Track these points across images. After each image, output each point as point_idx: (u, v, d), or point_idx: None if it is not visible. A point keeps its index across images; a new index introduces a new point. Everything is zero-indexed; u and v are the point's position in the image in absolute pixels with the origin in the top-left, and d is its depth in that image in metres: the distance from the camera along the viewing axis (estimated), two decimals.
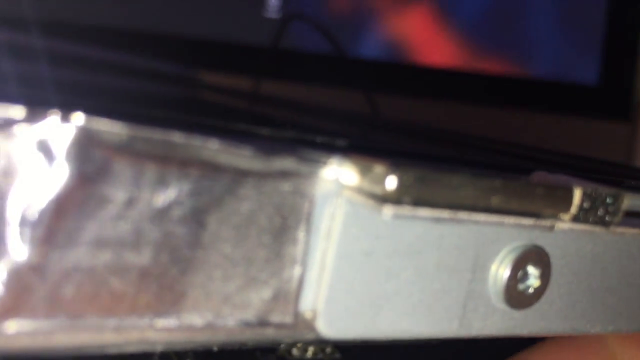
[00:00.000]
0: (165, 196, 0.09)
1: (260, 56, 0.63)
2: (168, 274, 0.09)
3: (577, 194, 0.11)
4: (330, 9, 0.66)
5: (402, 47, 0.63)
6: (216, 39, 0.69)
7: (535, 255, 0.12)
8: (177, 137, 0.09)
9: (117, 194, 0.09)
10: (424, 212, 0.10)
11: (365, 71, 0.62)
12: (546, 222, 0.11)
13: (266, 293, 0.10)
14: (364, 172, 0.10)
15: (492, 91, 0.61)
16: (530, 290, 0.12)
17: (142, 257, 0.09)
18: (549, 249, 0.12)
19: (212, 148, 0.09)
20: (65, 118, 0.08)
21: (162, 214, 0.09)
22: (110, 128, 0.08)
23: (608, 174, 0.22)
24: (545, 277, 0.12)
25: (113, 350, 0.10)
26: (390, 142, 0.11)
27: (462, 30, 0.61)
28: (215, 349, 0.11)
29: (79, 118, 0.08)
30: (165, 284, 0.09)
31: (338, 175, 0.10)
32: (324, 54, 0.62)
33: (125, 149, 0.08)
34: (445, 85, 0.62)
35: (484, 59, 0.61)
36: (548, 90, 0.59)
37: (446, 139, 0.28)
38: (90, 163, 0.08)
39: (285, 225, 0.10)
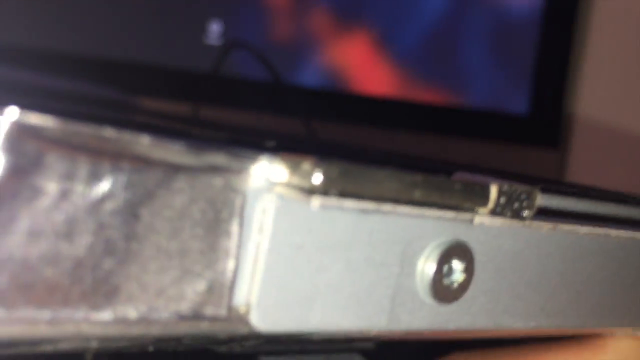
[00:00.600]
0: (98, 188, 0.09)
1: (200, 82, 0.63)
2: (102, 266, 0.09)
3: (494, 189, 0.12)
4: (271, 37, 0.67)
5: (340, 75, 0.65)
6: (156, 64, 0.68)
7: (459, 250, 0.12)
8: (109, 132, 0.09)
9: (51, 185, 0.09)
10: (350, 203, 0.11)
11: (303, 99, 0.63)
12: (466, 216, 0.12)
13: (200, 286, 0.10)
14: (293, 167, 0.11)
15: (427, 120, 0.62)
16: (455, 285, 0.12)
17: (76, 248, 0.09)
18: (472, 244, 0.13)
19: (144, 143, 0.09)
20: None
21: (95, 206, 0.09)
22: (44, 122, 0.08)
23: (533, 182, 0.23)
24: (469, 271, 0.13)
25: (48, 346, 0.10)
26: (318, 145, 0.11)
27: (399, 60, 0.63)
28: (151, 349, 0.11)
29: (12, 112, 0.08)
30: (99, 276, 0.09)
31: (268, 171, 0.11)
32: (264, 82, 0.63)
33: (58, 142, 0.09)
34: (382, 114, 0.64)
35: (419, 88, 0.63)
36: (480, 119, 0.61)
37: (379, 159, 0.29)
38: (23, 155, 0.08)
39: (219, 218, 0.10)
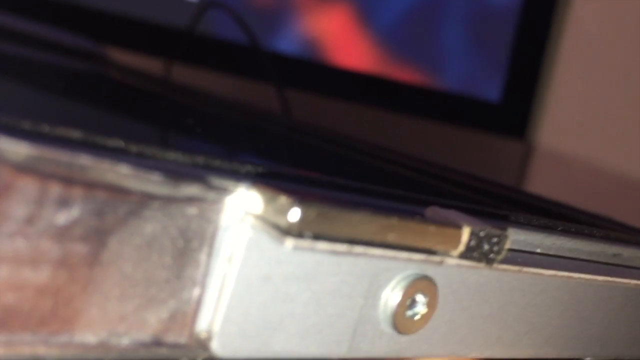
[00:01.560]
0: (67, 215, 0.09)
1: (175, 39, 0.62)
2: (65, 292, 0.09)
3: (466, 233, 0.12)
4: (250, 0, 0.65)
5: (318, 45, 0.64)
6: (130, 15, 0.67)
7: (424, 285, 0.12)
8: (85, 160, 0.09)
9: (18, 211, 0.08)
10: (323, 245, 0.11)
11: (279, 65, 0.62)
12: (436, 258, 0.12)
13: (163, 313, 0.10)
14: (269, 201, 0.10)
15: (399, 98, 0.62)
16: (417, 317, 0.13)
17: (39, 274, 0.09)
18: (437, 279, 0.13)
19: (122, 172, 0.09)
20: None
21: (62, 232, 0.09)
22: (15, 148, 0.08)
23: (498, 198, 0.23)
24: (431, 305, 0.13)
25: None
26: (306, 164, 0.11)
27: (377, 36, 0.63)
28: None
29: None
30: (61, 302, 0.09)
31: (244, 203, 0.11)
32: (240, 44, 0.61)
33: (29, 168, 0.08)
34: (355, 88, 0.63)
35: (395, 66, 0.62)
36: (452, 102, 0.61)
37: (347, 144, 0.29)
38: None
39: (188, 247, 0.10)
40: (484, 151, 0.62)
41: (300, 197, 0.10)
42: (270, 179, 0.11)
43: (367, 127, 0.63)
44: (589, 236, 0.16)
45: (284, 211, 0.10)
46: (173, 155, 0.10)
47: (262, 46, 0.58)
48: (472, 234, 0.12)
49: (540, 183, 0.60)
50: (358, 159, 0.28)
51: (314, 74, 0.64)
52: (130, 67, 0.50)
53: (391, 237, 0.11)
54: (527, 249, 0.14)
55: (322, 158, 0.28)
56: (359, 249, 0.11)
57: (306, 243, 0.10)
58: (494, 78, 0.62)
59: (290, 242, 0.10)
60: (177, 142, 0.30)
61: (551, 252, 0.15)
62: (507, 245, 0.12)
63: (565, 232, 0.15)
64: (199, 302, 0.10)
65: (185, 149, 0.11)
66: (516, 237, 0.14)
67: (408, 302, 0.12)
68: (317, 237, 0.10)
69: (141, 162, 0.09)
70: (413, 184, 0.24)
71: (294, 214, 0.10)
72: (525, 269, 0.13)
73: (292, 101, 0.55)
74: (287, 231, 0.10)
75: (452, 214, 0.12)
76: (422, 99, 0.63)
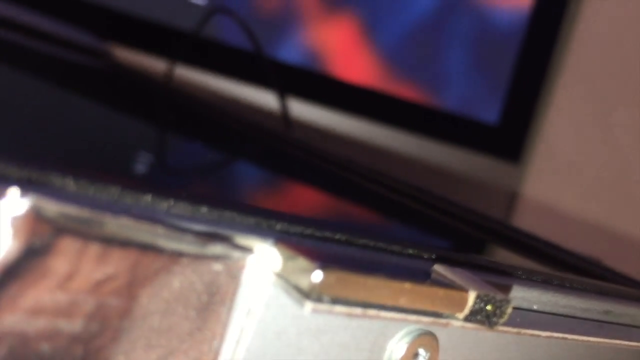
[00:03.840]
0: (103, 272, 0.09)
1: (179, 41, 0.62)
2: (95, 342, 0.10)
3: (471, 297, 0.12)
4: (257, 7, 0.66)
5: (321, 56, 0.65)
6: (136, 14, 0.67)
7: (427, 340, 0.13)
8: (123, 220, 0.09)
9: (59, 267, 0.09)
10: (340, 309, 0.11)
11: (281, 73, 0.62)
12: (442, 321, 0.13)
13: None
14: (290, 261, 0.11)
15: (399, 114, 0.63)
16: None
17: (74, 326, 0.09)
18: (439, 335, 0.13)
19: (157, 232, 0.10)
20: (19, 193, 0.08)
21: (98, 287, 0.09)
22: (59, 208, 0.09)
23: (488, 232, 0.24)
24: (433, 359, 0.13)
25: None
26: (320, 231, 0.12)
27: (381, 51, 0.63)
28: None
29: (29, 197, 0.08)
30: (90, 351, 0.10)
31: (266, 261, 0.11)
32: (244, 50, 0.62)
33: (71, 228, 0.09)
34: (356, 101, 0.64)
35: (396, 82, 0.63)
36: (450, 122, 0.62)
37: (348, 168, 0.29)
38: (37, 238, 0.09)
39: (211, 302, 0.11)
40: (479, 171, 0.63)
41: (322, 261, 0.11)
42: (291, 235, 0.12)
43: (364, 140, 0.64)
44: (582, 292, 0.17)
45: (306, 274, 0.11)
46: (202, 212, 0.11)
47: (265, 53, 0.58)
48: (478, 298, 0.12)
49: (533, 206, 0.61)
50: (354, 182, 0.29)
51: (316, 84, 0.65)
52: (133, 65, 0.51)
53: (402, 301, 0.12)
54: (525, 306, 0.15)
55: (320, 180, 0.29)
56: (372, 312, 0.12)
57: (324, 307, 0.11)
58: (493, 100, 0.63)
59: (309, 305, 0.11)
60: (179, 149, 0.31)
61: (547, 309, 0.16)
62: (509, 310, 0.13)
63: (560, 288, 0.16)
64: (217, 353, 0.11)
65: (190, 160, 0.11)
66: (516, 294, 0.14)
67: (411, 356, 0.13)
68: (335, 301, 0.11)
69: (173, 220, 0.10)
70: (409, 213, 0.25)
71: (316, 278, 0.11)
72: (524, 331, 0.14)
73: (293, 109, 0.56)
74: (307, 295, 0.11)
75: (458, 275, 0.13)
76: (421, 117, 0.63)
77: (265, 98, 0.59)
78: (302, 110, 0.62)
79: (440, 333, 0.13)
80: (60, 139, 0.21)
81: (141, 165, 0.23)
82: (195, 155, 0.30)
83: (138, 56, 0.64)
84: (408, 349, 0.13)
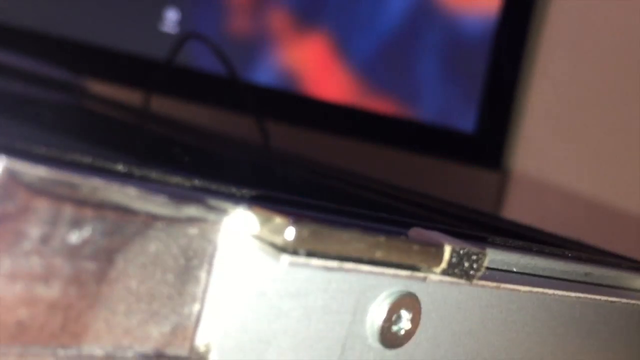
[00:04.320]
0: (78, 235, 0.09)
1: (153, 70, 0.63)
2: (74, 307, 0.10)
3: (447, 251, 0.13)
4: (228, 31, 0.66)
5: (295, 76, 0.65)
6: (108, 47, 0.67)
7: (408, 300, 0.13)
8: (96, 182, 0.09)
9: (33, 231, 0.09)
10: (316, 262, 0.11)
11: (257, 97, 0.62)
12: (420, 274, 0.13)
13: (166, 327, 0.11)
14: (265, 222, 0.11)
15: (376, 129, 0.63)
16: (402, 332, 0.13)
17: (51, 291, 0.09)
18: (420, 295, 0.13)
19: (129, 194, 0.10)
20: None
21: (74, 251, 0.10)
22: (33, 171, 0.09)
23: (476, 224, 0.24)
24: (415, 320, 0.13)
25: None
26: (290, 193, 0.12)
27: (354, 67, 0.64)
28: None
29: (2, 160, 0.09)
30: (70, 316, 0.10)
31: (241, 224, 0.11)
32: (219, 76, 0.62)
33: (45, 191, 0.09)
34: (333, 119, 0.64)
35: (371, 97, 0.64)
36: (427, 133, 0.63)
37: (327, 174, 0.30)
38: (11, 202, 0.09)
39: (189, 265, 0.11)
40: (460, 181, 0.63)
41: (295, 217, 0.11)
42: (265, 201, 0.12)
43: (344, 157, 0.64)
44: (562, 256, 0.17)
45: (280, 230, 0.11)
46: (175, 179, 0.11)
47: (240, 77, 0.59)
48: (454, 252, 0.13)
49: (517, 212, 0.61)
50: (338, 188, 0.29)
51: (292, 104, 0.65)
52: (108, 98, 0.51)
53: (379, 255, 0.12)
54: (505, 267, 0.15)
55: (304, 188, 0.29)
56: (349, 265, 0.12)
57: (300, 260, 0.11)
58: (468, 109, 0.63)
59: (285, 259, 0.11)
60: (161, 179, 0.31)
61: (527, 271, 0.16)
62: (486, 262, 0.13)
63: (540, 253, 0.16)
64: (198, 317, 0.11)
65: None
66: (494, 257, 0.15)
67: (394, 317, 0.13)
68: (311, 254, 0.11)
69: (146, 185, 0.10)
70: (394, 210, 0.25)
71: (289, 233, 0.11)
72: (503, 285, 0.14)
73: (271, 132, 0.56)
74: (283, 249, 0.11)
75: (434, 235, 0.13)
76: (398, 130, 0.64)
77: (242, 121, 0.59)
78: (281, 131, 0.63)
79: (421, 294, 0.13)
80: None
81: None
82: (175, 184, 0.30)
83: (113, 88, 0.64)
84: (390, 310, 0.13)
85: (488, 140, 0.61)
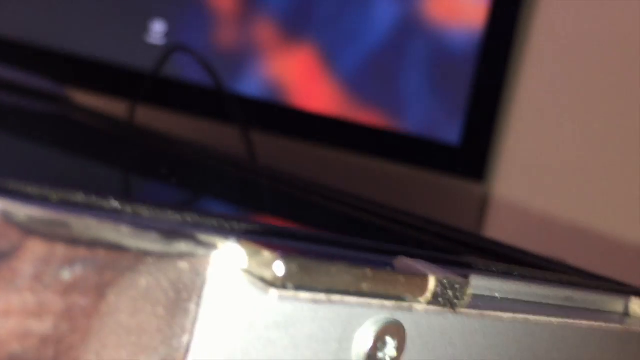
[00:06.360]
0: (71, 272, 0.10)
1: (139, 81, 0.63)
2: (66, 341, 0.10)
3: (432, 282, 0.13)
4: (215, 43, 0.67)
5: (282, 88, 0.65)
6: (93, 57, 0.67)
7: (393, 328, 0.13)
8: (89, 221, 0.10)
9: (26, 269, 0.09)
10: (304, 295, 0.12)
11: (243, 108, 0.63)
12: (406, 305, 0.13)
13: (155, 359, 0.11)
14: (254, 256, 0.11)
15: (362, 140, 0.64)
16: (387, 359, 0.14)
17: (44, 326, 0.10)
18: (405, 323, 0.14)
19: (122, 231, 0.10)
20: None
21: (66, 288, 0.10)
22: (25, 211, 0.09)
23: (457, 243, 0.24)
24: (400, 347, 0.14)
25: None
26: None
27: (340, 79, 0.64)
28: None
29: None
30: (61, 350, 0.10)
31: (230, 258, 0.11)
32: (205, 87, 0.62)
33: (37, 230, 0.09)
34: (319, 130, 0.65)
35: (357, 109, 0.64)
36: (413, 145, 0.63)
37: (313, 190, 0.30)
38: (4, 241, 0.09)
39: (179, 298, 0.11)
40: (443, 193, 0.63)
41: (283, 251, 0.11)
42: (253, 234, 0.12)
43: (330, 169, 0.64)
44: (543, 280, 0.17)
45: (268, 265, 0.11)
46: (165, 215, 0.11)
47: (226, 89, 0.59)
48: (438, 282, 0.13)
49: (499, 224, 0.62)
50: (321, 204, 0.29)
51: (278, 116, 0.66)
52: (94, 109, 0.51)
53: (365, 287, 0.12)
54: (487, 293, 0.15)
55: (287, 205, 0.29)
56: (336, 297, 0.12)
57: (289, 293, 0.11)
58: (453, 121, 0.64)
59: (274, 293, 0.11)
60: (145, 189, 0.31)
61: (509, 297, 0.16)
62: (469, 291, 0.13)
63: (522, 277, 0.16)
64: (187, 348, 0.11)
65: (157, 198, 0.12)
66: (477, 283, 0.15)
67: (379, 344, 0.13)
68: (299, 287, 0.11)
69: (137, 221, 0.10)
70: (379, 230, 0.25)
71: (278, 268, 0.11)
72: (486, 313, 0.15)
73: (256, 143, 0.56)
74: (272, 283, 0.11)
75: (419, 264, 0.13)
76: (384, 142, 0.64)
77: (228, 133, 0.59)
78: (267, 142, 0.63)
79: (406, 322, 0.14)
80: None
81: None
82: (161, 195, 0.30)
83: (98, 99, 0.64)
84: (375, 337, 0.13)
85: (472, 152, 0.62)
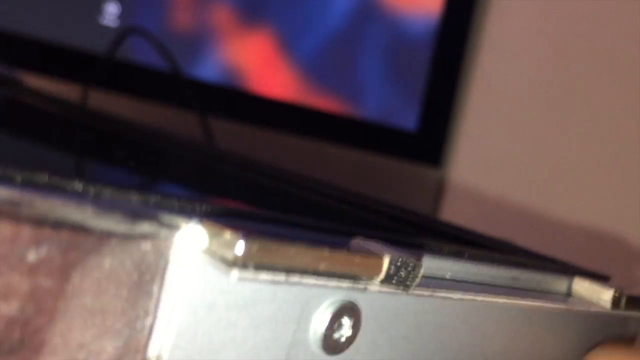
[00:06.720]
0: (36, 254, 0.10)
1: (92, 64, 0.62)
2: (32, 324, 0.10)
3: (386, 262, 0.14)
4: (171, 26, 0.66)
5: (239, 73, 0.65)
6: (45, 39, 0.66)
7: (349, 308, 0.14)
8: (54, 201, 0.10)
9: None
10: (264, 275, 0.12)
11: (200, 92, 0.62)
12: (360, 285, 0.14)
13: (119, 341, 0.11)
14: (215, 237, 0.12)
15: (319, 126, 0.64)
16: (343, 339, 0.14)
17: (10, 307, 0.10)
18: (360, 303, 0.14)
19: (86, 212, 0.10)
20: None
21: (32, 270, 0.10)
22: None
23: (412, 225, 0.25)
24: (356, 327, 0.14)
25: None
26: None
27: (298, 64, 0.65)
28: None
29: None
30: (28, 332, 0.10)
31: (193, 239, 0.12)
32: (160, 71, 0.62)
33: (3, 211, 0.09)
34: (276, 116, 0.65)
35: (315, 95, 0.64)
36: (369, 130, 0.64)
37: (267, 173, 0.30)
38: None
39: (142, 280, 0.11)
40: (401, 178, 0.64)
41: (244, 232, 0.12)
42: (215, 215, 0.12)
43: (287, 154, 0.65)
44: (492, 261, 0.18)
45: (230, 245, 0.12)
46: (128, 196, 0.12)
47: (183, 73, 0.58)
48: (391, 263, 0.14)
49: (455, 209, 0.63)
50: (278, 188, 0.29)
51: (235, 101, 0.66)
52: (46, 92, 0.50)
53: (322, 267, 0.13)
54: (439, 274, 0.16)
55: (244, 188, 0.29)
56: (294, 277, 0.12)
57: (249, 274, 0.12)
58: (410, 107, 0.65)
59: (235, 273, 0.12)
60: (99, 172, 0.31)
61: (459, 277, 0.17)
62: (421, 272, 0.14)
63: (472, 258, 0.17)
64: (150, 330, 0.12)
65: (112, 182, 0.12)
66: (429, 264, 0.16)
67: (335, 325, 0.14)
68: (259, 268, 0.12)
69: (101, 202, 0.11)
70: (335, 212, 0.26)
71: (239, 248, 0.11)
72: (437, 293, 0.15)
73: (213, 128, 0.56)
74: (233, 263, 0.12)
75: (374, 245, 0.14)
76: (341, 128, 0.65)
77: (185, 118, 0.59)
78: (224, 127, 0.63)
79: (361, 302, 0.14)
80: None
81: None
82: (116, 179, 0.30)
83: (51, 83, 0.63)
84: (332, 318, 0.14)
85: (429, 138, 0.63)
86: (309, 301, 0.13)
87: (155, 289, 0.11)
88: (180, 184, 0.32)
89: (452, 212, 0.63)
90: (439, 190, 0.64)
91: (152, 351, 0.12)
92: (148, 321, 0.11)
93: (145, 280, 0.11)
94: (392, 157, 0.64)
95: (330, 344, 0.14)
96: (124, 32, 0.62)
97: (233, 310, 0.12)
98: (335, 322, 0.14)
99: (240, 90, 0.67)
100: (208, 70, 0.68)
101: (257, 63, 0.68)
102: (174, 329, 0.12)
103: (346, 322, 0.14)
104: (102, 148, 0.37)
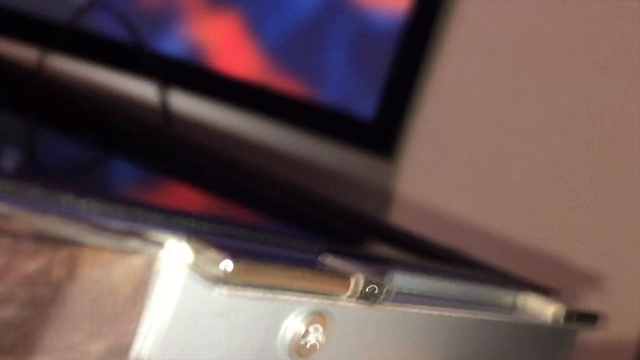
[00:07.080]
0: (36, 265, 0.11)
1: (52, 32, 0.61)
2: (25, 326, 0.11)
3: (353, 281, 0.15)
4: (139, 2, 0.65)
5: (204, 50, 0.65)
6: (7, 7, 0.64)
7: (317, 319, 0.15)
8: (53, 218, 0.10)
9: None
10: (243, 292, 0.13)
11: (162, 66, 0.62)
12: (329, 301, 0.15)
13: (105, 344, 0.12)
14: (200, 254, 0.13)
15: (279, 108, 0.65)
16: (310, 345, 0.15)
17: (8, 312, 0.10)
18: (327, 314, 0.15)
19: (82, 229, 0.11)
20: None
21: (31, 279, 0.11)
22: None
23: (366, 230, 0.26)
24: (323, 334, 0.15)
25: None
26: (228, 227, 0.13)
27: (263, 46, 0.65)
28: None
29: None
30: (21, 334, 0.11)
31: (179, 254, 0.13)
32: (122, 42, 0.61)
33: (6, 225, 0.10)
34: (238, 95, 0.65)
35: (278, 77, 0.65)
36: (327, 116, 0.64)
37: (226, 163, 0.31)
38: None
39: (129, 290, 0.12)
40: (355, 166, 0.65)
41: (230, 252, 0.12)
42: (201, 232, 0.13)
43: (245, 133, 0.65)
44: (448, 276, 0.19)
45: (215, 263, 0.12)
46: (119, 211, 0.12)
47: (145, 45, 0.58)
48: (359, 281, 0.15)
49: (407, 200, 0.64)
50: (234, 179, 0.30)
51: (197, 77, 0.65)
52: (5, 56, 0.49)
53: (297, 284, 0.14)
54: (403, 290, 0.17)
55: (193, 174, 0.30)
56: (270, 295, 0.13)
57: (232, 290, 0.13)
58: (369, 97, 0.65)
59: (218, 290, 0.12)
60: (51, 141, 0.30)
61: (421, 293, 0.18)
62: (385, 290, 0.15)
63: (433, 275, 0.18)
64: (134, 336, 0.12)
65: (62, 151, 0.12)
66: (394, 282, 0.17)
67: (303, 332, 0.15)
68: (241, 285, 0.13)
69: (94, 219, 0.11)
70: (286, 211, 0.27)
71: (226, 266, 0.12)
72: (397, 308, 0.17)
73: (173, 102, 0.56)
74: (217, 280, 0.12)
75: (345, 263, 0.15)
76: (300, 111, 0.65)
77: (145, 90, 0.58)
78: (183, 103, 0.62)
79: (328, 313, 0.15)
80: None
81: (10, 160, 0.23)
82: (69, 150, 0.30)
83: (11, 47, 0.62)
84: (299, 325, 0.15)
85: (384, 128, 0.64)
86: (279, 311, 0.14)
87: (139, 298, 0.12)
88: (129, 158, 0.32)
89: (402, 206, 0.64)
90: (392, 180, 0.65)
91: (135, 354, 0.12)
92: (132, 327, 0.12)
93: (132, 291, 0.12)
94: (348, 144, 0.65)
95: (297, 350, 0.15)
96: (88, 3, 0.61)
97: (210, 318, 0.13)
98: (302, 329, 0.15)
99: (202, 67, 0.67)
100: (172, 45, 0.67)
101: (222, 42, 0.68)
102: (155, 334, 0.13)
103: (314, 330, 0.15)
104: (55, 115, 0.37)
